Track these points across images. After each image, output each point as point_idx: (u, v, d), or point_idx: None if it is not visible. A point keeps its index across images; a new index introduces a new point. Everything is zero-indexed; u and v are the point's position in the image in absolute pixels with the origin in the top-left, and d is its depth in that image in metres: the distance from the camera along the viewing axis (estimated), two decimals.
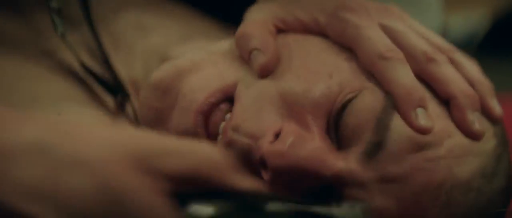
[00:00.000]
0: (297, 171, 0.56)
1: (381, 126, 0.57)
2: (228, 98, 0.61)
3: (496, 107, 0.61)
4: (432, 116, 0.58)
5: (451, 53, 0.61)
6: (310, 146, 0.57)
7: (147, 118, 0.62)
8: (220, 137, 0.60)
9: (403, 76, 0.58)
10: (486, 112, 0.61)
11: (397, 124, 0.57)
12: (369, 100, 0.58)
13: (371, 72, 0.59)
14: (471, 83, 0.60)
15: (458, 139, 0.59)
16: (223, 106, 0.61)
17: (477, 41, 2.28)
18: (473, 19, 2.42)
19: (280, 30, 0.63)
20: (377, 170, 0.57)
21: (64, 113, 0.65)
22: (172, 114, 0.61)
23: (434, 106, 0.59)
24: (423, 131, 0.57)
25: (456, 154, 0.58)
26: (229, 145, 0.59)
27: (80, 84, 0.69)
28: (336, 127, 0.58)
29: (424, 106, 0.58)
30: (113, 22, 0.73)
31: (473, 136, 0.59)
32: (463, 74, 0.61)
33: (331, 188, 0.58)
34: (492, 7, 2.32)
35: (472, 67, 0.62)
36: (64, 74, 0.70)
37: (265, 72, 0.60)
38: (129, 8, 0.74)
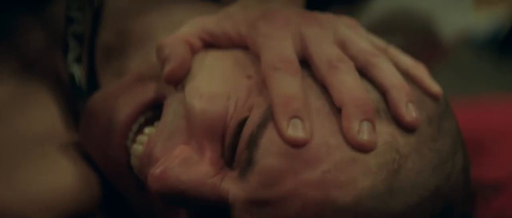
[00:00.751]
0: (178, 195, 0.55)
1: (252, 141, 0.55)
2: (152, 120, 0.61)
3: (407, 115, 0.56)
4: (318, 129, 0.55)
5: (370, 57, 0.59)
6: (192, 171, 0.56)
7: (94, 155, 0.63)
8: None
9: (285, 86, 0.56)
10: (398, 120, 0.56)
11: (267, 140, 0.54)
12: (254, 117, 0.56)
13: (265, 83, 0.58)
14: (384, 89, 0.58)
15: (341, 156, 0.54)
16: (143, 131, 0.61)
17: (500, 40, 2.27)
18: (496, 17, 2.40)
19: (208, 44, 0.63)
20: (246, 190, 0.54)
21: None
22: (109, 139, 0.61)
23: (327, 121, 0.56)
24: (294, 142, 0.54)
25: (337, 174, 0.54)
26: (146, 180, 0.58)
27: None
28: (233, 149, 0.56)
29: (300, 117, 0.55)
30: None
31: (358, 146, 0.54)
32: (377, 79, 0.58)
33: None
34: None
35: (388, 72, 0.58)
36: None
37: (169, 80, 0.59)
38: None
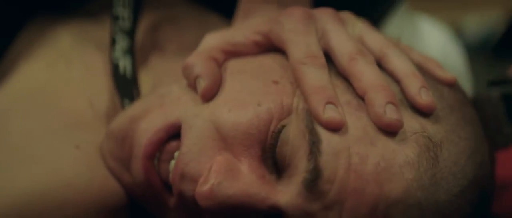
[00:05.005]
0: (229, 208, 0.56)
1: (313, 152, 0.55)
2: (175, 136, 0.61)
3: (422, 98, 0.58)
4: (354, 122, 0.56)
5: (385, 49, 0.61)
6: (238, 183, 0.56)
7: (113, 169, 0.63)
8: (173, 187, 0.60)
9: (314, 78, 0.58)
10: (413, 104, 0.58)
11: (327, 144, 0.55)
12: (296, 126, 0.57)
13: (295, 77, 0.60)
14: (398, 78, 0.60)
15: (383, 147, 0.56)
16: (170, 147, 0.61)
17: (493, 42, 2.28)
18: (489, 20, 2.41)
19: (232, 55, 0.64)
20: (319, 199, 0.55)
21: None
22: (132, 162, 0.61)
23: (360, 113, 0.57)
24: (332, 124, 0.55)
25: (383, 167, 0.55)
26: (181, 196, 0.59)
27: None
28: (273, 157, 0.57)
29: (333, 103, 0.57)
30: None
31: (386, 126, 0.56)
32: (391, 69, 0.61)
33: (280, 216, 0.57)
34: (507, 8, 2.32)
35: (403, 62, 0.61)
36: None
37: (207, 98, 0.60)
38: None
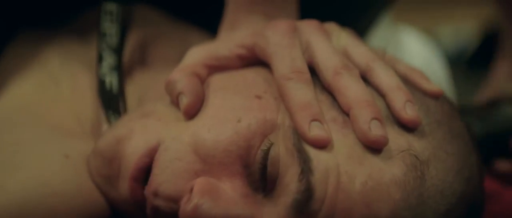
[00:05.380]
0: None
1: (305, 171, 0.55)
2: None
3: (407, 113, 0.58)
4: (341, 140, 0.56)
5: (371, 62, 0.61)
6: (221, 202, 0.56)
7: (99, 184, 0.63)
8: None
9: (300, 94, 0.58)
10: (398, 120, 0.58)
11: (317, 163, 0.55)
12: (283, 144, 0.56)
13: (279, 93, 0.59)
14: (383, 93, 0.59)
15: (370, 165, 0.55)
16: None
17: (467, 55, 2.31)
18: (463, 32, 2.44)
19: (216, 69, 0.63)
20: (291, 215, 0.55)
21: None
22: (119, 180, 0.61)
23: (346, 130, 0.57)
24: (318, 142, 0.55)
25: (371, 186, 0.55)
26: (154, 211, 0.58)
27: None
28: (262, 175, 0.56)
29: (319, 120, 0.56)
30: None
31: (371, 143, 0.56)
32: (377, 83, 0.60)
33: None
34: (481, 20, 2.35)
35: (388, 76, 0.60)
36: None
37: (190, 115, 0.60)
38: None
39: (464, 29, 2.45)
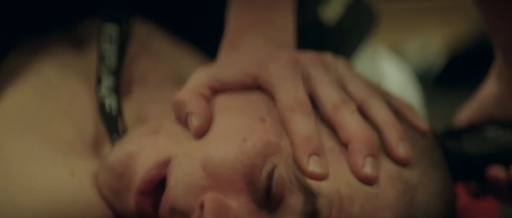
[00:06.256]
0: None
1: (309, 195, 0.59)
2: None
3: (399, 150, 0.64)
4: (339, 169, 0.61)
5: (367, 97, 0.65)
6: (231, 215, 0.59)
7: (108, 197, 0.65)
8: None
9: (301, 127, 0.62)
10: (390, 155, 0.64)
11: (317, 188, 0.60)
12: (285, 168, 0.60)
13: (282, 123, 0.63)
14: (378, 127, 0.64)
15: (365, 191, 0.61)
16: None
17: (434, 73, 2.32)
18: (429, 49, 2.46)
19: (219, 91, 0.66)
20: None
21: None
22: (128, 194, 0.64)
23: (343, 160, 0.62)
24: (315, 177, 0.60)
25: (368, 210, 0.60)
26: None
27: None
28: (268, 194, 0.60)
29: (318, 154, 0.61)
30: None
31: (362, 178, 0.61)
32: (372, 118, 0.65)
33: None
34: (448, 38, 2.37)
35: (382, 112, 0.65)
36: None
37: (200, 136, 0.63)
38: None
39: (430, 46, 2.47)
